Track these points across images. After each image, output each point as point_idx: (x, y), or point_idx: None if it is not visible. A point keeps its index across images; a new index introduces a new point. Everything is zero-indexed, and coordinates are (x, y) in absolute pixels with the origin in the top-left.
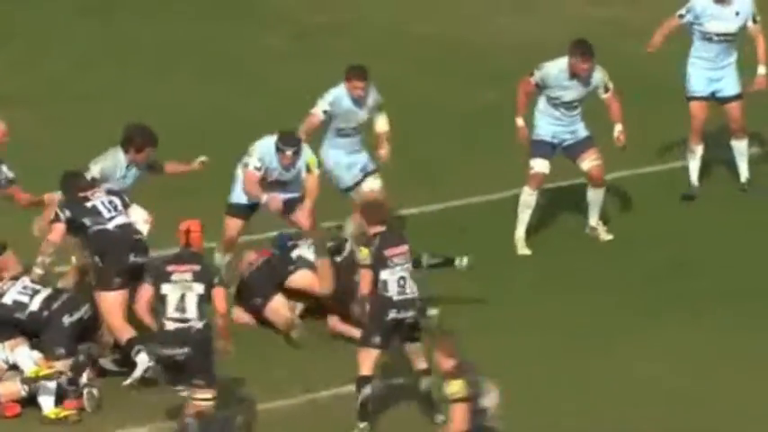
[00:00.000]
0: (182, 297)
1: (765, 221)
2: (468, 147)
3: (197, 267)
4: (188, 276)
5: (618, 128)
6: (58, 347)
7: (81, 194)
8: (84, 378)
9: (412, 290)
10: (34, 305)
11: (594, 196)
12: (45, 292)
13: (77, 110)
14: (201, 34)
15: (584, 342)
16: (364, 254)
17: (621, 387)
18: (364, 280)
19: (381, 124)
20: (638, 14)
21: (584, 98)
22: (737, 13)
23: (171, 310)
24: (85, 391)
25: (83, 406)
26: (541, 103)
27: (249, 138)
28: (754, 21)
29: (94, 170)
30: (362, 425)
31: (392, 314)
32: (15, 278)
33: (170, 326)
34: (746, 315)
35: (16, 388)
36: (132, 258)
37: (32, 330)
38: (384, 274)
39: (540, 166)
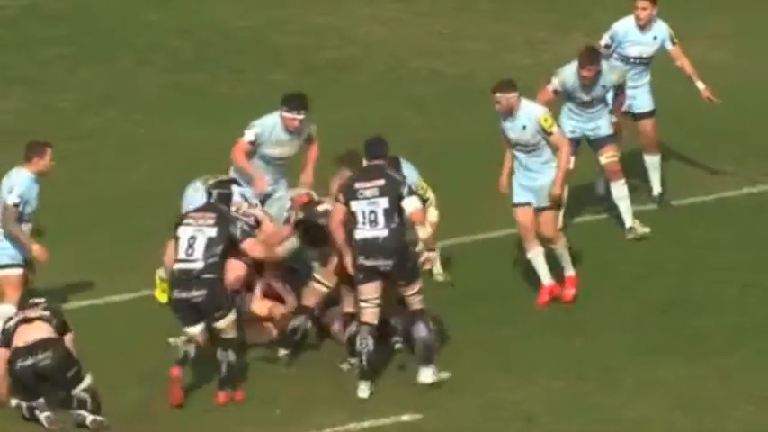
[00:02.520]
0: (371, 212)
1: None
2: (472, 184)
3: (381, 182)
4: (374, 192)
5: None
6: None
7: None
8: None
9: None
10: None
11: (618, 193)
12: None
13: (81, 147)
14: (206, 73)
15: (585, 379)
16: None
17: (620, 425)
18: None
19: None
20: None
21: (603, 96)
22: (655, 38)
23: (361, 223)
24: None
25: None
26: (564, 102)
27: None
28: (673, 43)
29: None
30: (353, 360)
31: (361, 260)
32: None
33: (361, 235)
34: (751, 353)
35: None
36: None
37: None
38: (354, 205)
39: None
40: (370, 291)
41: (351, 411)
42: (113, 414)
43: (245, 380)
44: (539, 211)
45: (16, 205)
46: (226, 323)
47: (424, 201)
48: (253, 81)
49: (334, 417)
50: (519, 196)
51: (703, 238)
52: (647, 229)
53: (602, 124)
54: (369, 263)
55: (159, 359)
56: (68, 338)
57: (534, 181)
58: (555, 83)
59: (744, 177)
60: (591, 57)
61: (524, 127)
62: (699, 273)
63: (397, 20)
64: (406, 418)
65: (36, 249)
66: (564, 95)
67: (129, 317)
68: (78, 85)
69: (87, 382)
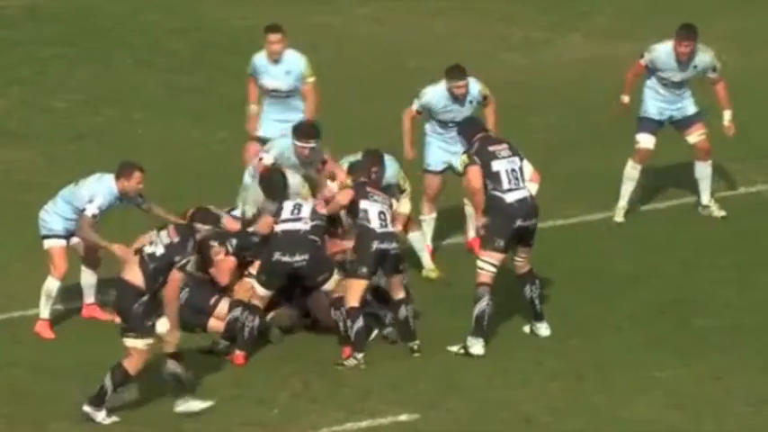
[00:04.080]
0: (512, 171)
1: None
2: None
3: (507, 145)
4: (507, 152)
5: (727, 115)
6: None
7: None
8: None
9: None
10: None
11: (702, 171)
12: None
13: (78, 148)
14: (204, 73)
15: (584, 379)
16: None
17: (618, 425)
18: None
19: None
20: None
21: (691, 78)
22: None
23: (506, 184)
24: None
25: None
26: (650, 81)
27: None
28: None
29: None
30: (360, 355)
31: (375, 245)
32: None
33: (510, 198)
34: (748, 353)
35: None
36: None
37: None
38: (364, 204)
39: (644, 141)
40: None
41: (348, 411)
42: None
43: (245, 380)
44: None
45: (94, 216)
46: (331, 286)
47: (402, 191)
48: None
49: (331, 417)
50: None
51: (701, 238)
52: (722, 213)
53: (688, 104)
54: None
55: (156, 360)
56: None
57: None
58: (646, 57)
59: (742, 177)
60: (689, 32)
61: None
62: (697, 273)
63: (394, 20)
64: (403, 417)
65: (117, 249)
66: (652, 74)
67: None
68: (76, 85)
69: None
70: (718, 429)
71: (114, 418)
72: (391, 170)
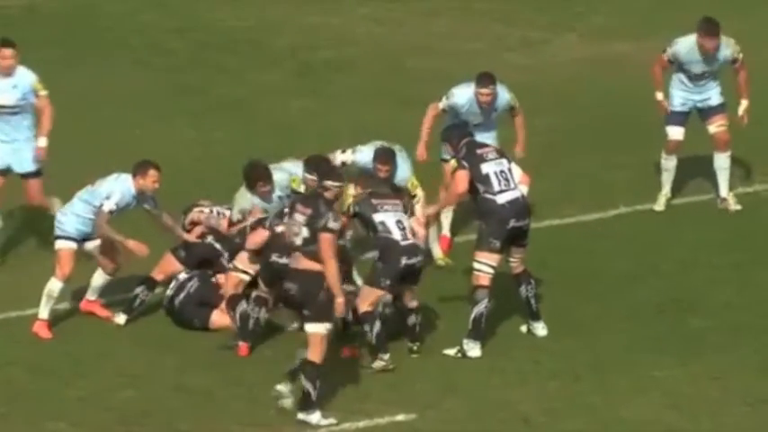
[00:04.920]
0: (501, 172)
1: None
2: None
3: (493, 148)
4: (494, 155)
5: (743, 105)
6: None
7: None
8: None
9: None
10: None
11: (720, 162)
12: None
13: (76, 148)
14: (202, 73)
15: (581, 379)
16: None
17: (616, 425)
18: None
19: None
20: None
21: (715, 70)
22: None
23: (496, 186)
24: None
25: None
26: (675, 73)
27: None
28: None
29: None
30: (386, 356)
31: (404, 260)
32: None
33: (501, 199)
34: (746, 353)
35: None
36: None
37: None
38: (378, 217)
39: (673, 133)
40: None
41: (346, 411)
42: (108, 415)
43: (243, 380)
44: None
45: (111, 212)
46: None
47: (413, 197)
48: (249, 81)
49: (328, 416)
50: None
51: (699, 237)
52: (738, 207)
53: (713, 95)
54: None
55: (153, 360)
56: None
57: None
58: (669, 52)
59: (740, 177)
60: (714, 27)
61: None
62: (695, 272)
63: (393, 20)
64: (401, 417)
65: (131, 245)
66: (676, 67)
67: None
68: (74, 84)
69: None
70: (715, 429)
71: (331, 420)
72: (402, 173)
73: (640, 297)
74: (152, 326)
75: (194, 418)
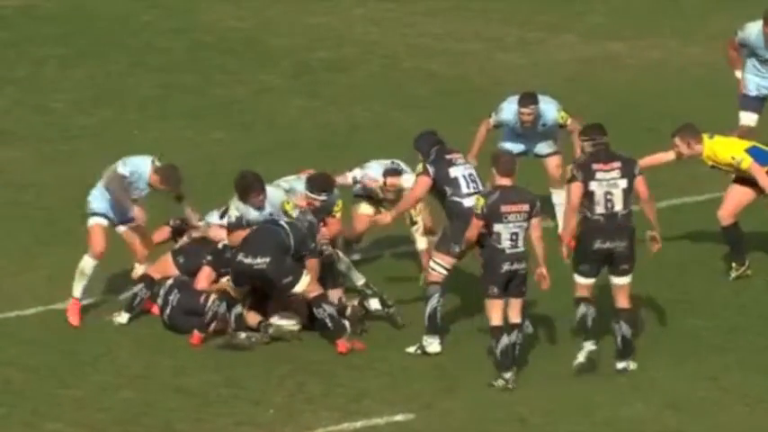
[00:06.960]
0: (469, 175)
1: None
2: None
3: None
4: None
5: None
6: None
7: None
8: None
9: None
10: None
11: None
12: None
13: (73, 148)
14: (199, 73)
15: (579, 380)
16: (480, 203)
17: (614, 425)
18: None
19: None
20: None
21: None
22: None
23: (464, 188)
24: None
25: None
26: (749, 58)
27: None
28: None
29: None
30: (508, 374)
31: (506, 266)
32: None
33: (468, 202)
34: (744, 354)
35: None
36: None
37: None
38: (497, 228)
39: (744, 118)
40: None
41: (344, 411)
42: (106, 416)
43: (240, 380)
44: None
45: (123, 177)
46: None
47: (413, 224)
48: (246, 81)
49: (326, 417)
50: None
51: (697, 237)
52: None
53: None
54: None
55: (151, 360)
56: None
57: None
58: (739, 36)
59: None
60: None
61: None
62: (693, 272)
63: (391, 20)
64: (399, 418)
65: (135, 212)
66: (748, 52)
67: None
68: (71, 85)
69: None
70: (713, 429)
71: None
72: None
73: (639, 297)
74: (150, 327)
75: (192, 419)
